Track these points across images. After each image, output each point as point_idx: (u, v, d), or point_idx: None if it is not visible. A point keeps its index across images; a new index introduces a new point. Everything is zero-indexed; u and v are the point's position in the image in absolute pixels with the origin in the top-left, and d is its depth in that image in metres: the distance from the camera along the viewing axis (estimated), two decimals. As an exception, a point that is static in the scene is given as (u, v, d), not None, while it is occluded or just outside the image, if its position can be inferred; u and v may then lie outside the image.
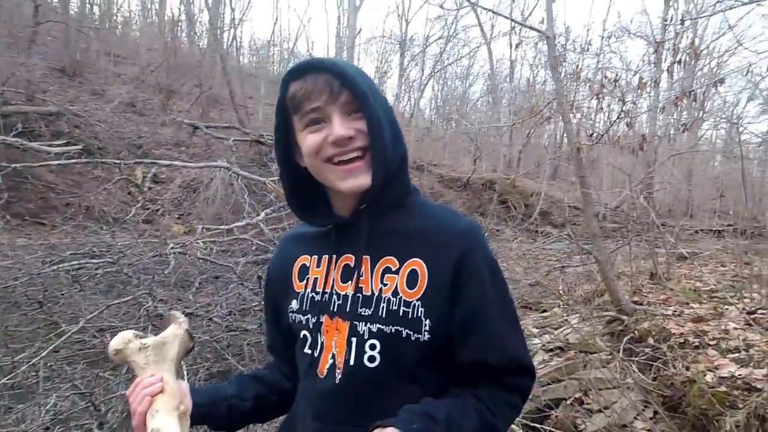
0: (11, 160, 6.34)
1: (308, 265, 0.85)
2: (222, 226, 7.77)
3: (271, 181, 7.83)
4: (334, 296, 0.79)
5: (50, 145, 6.82)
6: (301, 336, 0.82)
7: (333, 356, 0.77)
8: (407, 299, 0.75)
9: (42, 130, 8.25)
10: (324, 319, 0.79)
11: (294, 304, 0.84)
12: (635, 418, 2.41)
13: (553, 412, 2.66)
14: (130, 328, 2.75)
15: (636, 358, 2.73)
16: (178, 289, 4.64)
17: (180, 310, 3.50)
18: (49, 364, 3.07)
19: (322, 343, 0.79)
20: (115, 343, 0.81)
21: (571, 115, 3.74)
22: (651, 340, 2.85)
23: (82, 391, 2.97)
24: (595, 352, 3.13)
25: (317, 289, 0.82)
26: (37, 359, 2.96)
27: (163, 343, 0.81)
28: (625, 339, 2.97)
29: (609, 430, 2.38)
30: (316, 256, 0.85)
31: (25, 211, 7.07)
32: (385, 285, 0.76)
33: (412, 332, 0.74)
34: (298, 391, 0.86)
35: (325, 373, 0.77)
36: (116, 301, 3.73)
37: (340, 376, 0.76)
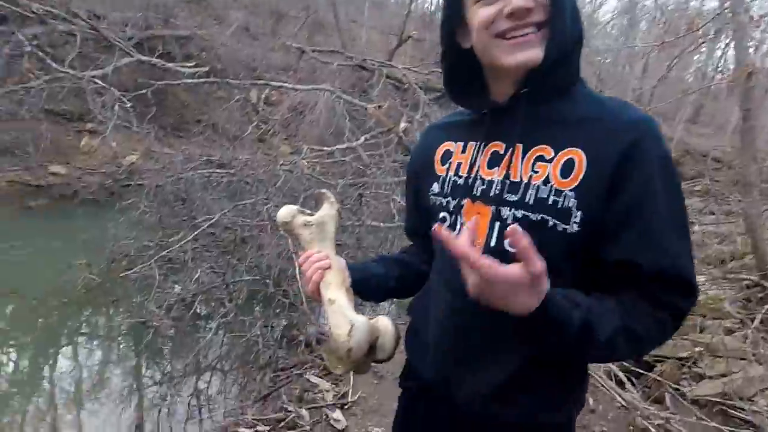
0: (156, 78, 7.33)
1: (452, 151, 0.86)
2: (325, 148, 8.31)
3: (372, 106, 8.01)
4: (478, 181, 0.79)
5: (183, 67, 7.69)
6: (440, 217, 0.83)
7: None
8: (559, 188, 0.71)
9: (176, 52, 9.24)
10: (465, 202, 0.79)
11: (435, 187, 0.86)
12: (759, 392, 2.31)
13: (658, 366, 2.61)
14: (253, 226, 3.25)
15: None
16: (287, 200, 5.22)
17: None
18: (193, 247, 3.82)
19: (462, 224, 0.79)
20: (283, 215, 0.88)
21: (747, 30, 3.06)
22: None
23: (217, 272, 3.69)
24: (718, 318, 2.94)
25: (460, 173, 0.82)
26: (183, 242, 3.69)
27: (323, 222, 0.88)
28: (766, 308, 2.72)
29: (721, 400, 2.31)
30: (462, 143, 0.85)
31: (168, 125, 8.25)
32: (536, 173, 0.73)
33: (559, 222, 0.71)
34: (432, 268, 0.90)
35: None
36: (242, 203, 4.36)
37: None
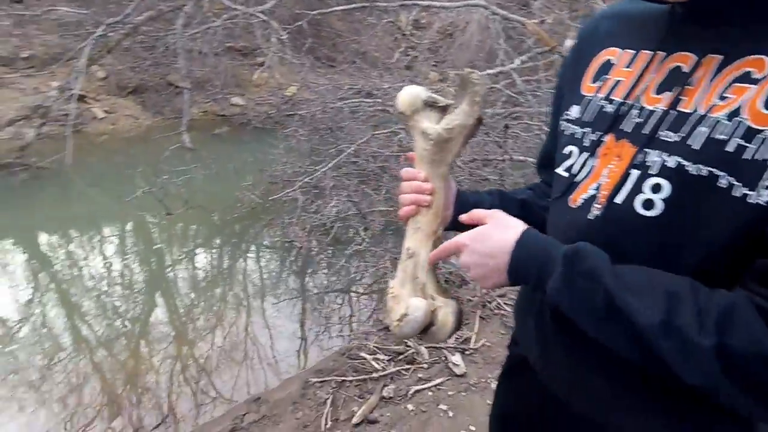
0: (312, 9, 7.57)
1: (614, 62, 0.61)
2: (474, 74, 7.67)
3: (533, 22, 6.94)
4: (634, 110, 0.56)
5: (338, -6, 7.80)
6: (565, 151, 0.63)
7: (598, 187, 0.57)
8: (755, 126, 0.45)
9: (331, -20, 9.35)
10: (608, 138, 0.57)
11: (573, 111, 0.64)
12: None
13: None
14: (388, 156, 3.12)
15: None
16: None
17: None
18: (334, 175, 4.00)
19: (591, 168, 0.58)
20: (404, 102, 0.71)
21: None
22: None
23: (354, 201, 3.81)
24: None
25: (613, 97, 0.58)
26: (326, 168, 3.86)
27: (447, 139, 0.69)
28: None
29: None
30: (632, 52, 0.59)
31: (322, 55, 8.62)
32: (723, 100, 0.47)
33: (738, 183, 0.45)
34: (549, 215, 0.70)
35: (578, 203, 0.59)
36: (380, 132, 4.34)
37: (598, 212, 0.56)
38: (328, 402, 1.99)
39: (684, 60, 0.52)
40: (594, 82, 0.62)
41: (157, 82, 7.01)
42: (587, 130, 0.60)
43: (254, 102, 7.41)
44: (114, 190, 4.43)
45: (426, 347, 2.35)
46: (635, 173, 0.53)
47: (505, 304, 2.78)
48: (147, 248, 3.86)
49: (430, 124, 0.70)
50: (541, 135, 5.32)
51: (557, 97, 0.73)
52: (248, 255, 3.84)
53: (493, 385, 2.09)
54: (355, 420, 1.89)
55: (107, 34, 5.79)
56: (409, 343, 2.36)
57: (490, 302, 2.77)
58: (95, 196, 4.56)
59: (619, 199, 0.54)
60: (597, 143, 0.58)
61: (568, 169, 0.62)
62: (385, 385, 2.08)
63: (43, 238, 3.92)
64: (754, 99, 0.45)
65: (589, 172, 0.59)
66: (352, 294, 3.23)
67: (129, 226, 4.20)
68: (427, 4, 6.71)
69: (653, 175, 0.51)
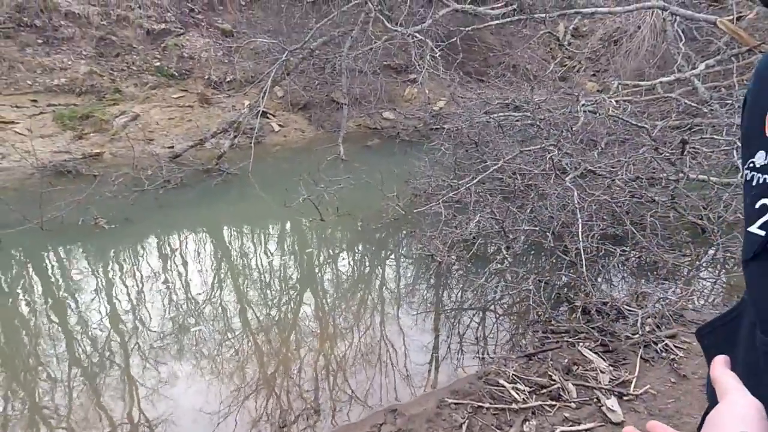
0: (467, 25, 7.66)
1: None
2: (642, 83, 6.79)
3: (725, 19, 5.86)
4: None
5: (492, 8, 7.70)
6: (756, 206, 0.57)
7: None
8: None
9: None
10: None
11: (759, 157, 0.57)
12: None
13: None
14: (537, 174, 2.98)
15: None
16: (584, 146, 4.62)
17: (580, 168, 3.42)
18: (477, 191, 3.95)
19: None
20: None
21: None
22: None
23: (497, 218, 3.70)
24: None
25: None
26: (470, 184, 3.84)
27: None
28: None
29: None
30: None
31: (472, 70, 8.64)
32: None
33: None
34: (750, 277, 0.59)
35: None
36: (528, 149, 4.14)
37: None
38: (464, 427, 1.95)
39: None
40: None
41: (323, 98, 7.89)
42: None
43: (404, 116, 7.79)
44: (280, 194, 5.12)
45: (574, 384, 2.13)
46: None
47: (675, 346, 2.37)
48: (301, 248, 4.36)
49: None
50: (729, 151, 4.42)
51: (742, 145, 0.63)
52: (388, 263, 4.02)
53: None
54: (491, 449, 1.81)
55: (289, 59, 6.76)
56: (555, 376, 2.18)
57: (656, 343, 2.39)
58: (265, 199, 5.34)
59: None
60: None
61: (765, 227, 0.54)
62: (525, 419, 1.95)
63: (225, 232, 4.73)
64: None
65: None
66: (490, 313, 3.12)
67: (289, 227, 4.81)
68: (592, 11, 6.22)
69: None
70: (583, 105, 5.45)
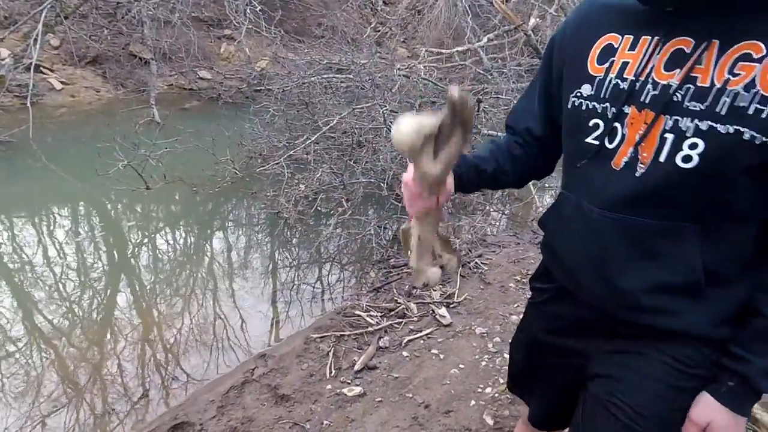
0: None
1: (616, 47, 0.72)
2: (443, 51, 7.80)
3: (499, 0, 7.11)
4: (649, 85, 0.68)
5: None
6: (590, 124, 0.74)
7: (635, 149, 0.69)
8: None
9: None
10: (630, 110, 0.69)
11: (585, 89, 0.75)
12: None
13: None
14: (369, 129, 3.29)
15: None
16: (403, 106, 5.15)
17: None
18: (315, 149, 4.09)
19: (623, 135, 0.70)
20: (406, 141, 0.67)
21: None
22: None
23: (335, 173, 3.93)
24: None
25: (625, 76, 0.70)
26: (304, 144, 3.95)
27: (447, 172, 0.74)
28: None
29: None
30: (630, 37, 0.71)
31: (291, 29, 8.47)
32: (736, 76, 0.61)
33: (759, 135, 0.60)
34: (565, 181, 0.82)
35: (621, 165, 0.70)
36: (359, 106, 4.43)
37: (642, 170, 0.68)
38: (330, 354, 2.17)
39: (685, 43, 0.65)
40: (600, 63, 0.73)
41: (119, 52, 6.69)
42: (606, 104, 0.72)
43: (223, 76, 7.24)
44: (80, 165, 4.30)
45: (414, 303, 2.56)
46: (671, 137, 0.66)
47: (482, 263, 3.03)
48: (117, 227, 3.83)
49: (430, 164, 0.71)
50: (509, 110, 5.56)
51: (548, 77, 0.84)
52: (233, 227, 3.90)
53: (478, 330, 2.34)
54: (357, 367, 2.08)
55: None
56: (399, 300, 2.57)
57: (469, 262, 3.01)
58: (61, 172, 4.41)
59: (662, 158, 0.67)
60: (620, 114, 0.70)
61: (598, 138, 0.73)
62: (380, 337, 2.28)
63: (10, 219, 3.79)
64: (763, 75, 0.60)
65: (622, 139, 0.70)
66: (339, 262, 3.39)
67: (98, 204, 4.13)
68: (399, -21, 6.73)
69: (690, 137, 0.64)
70: (398, 69, 6.02)
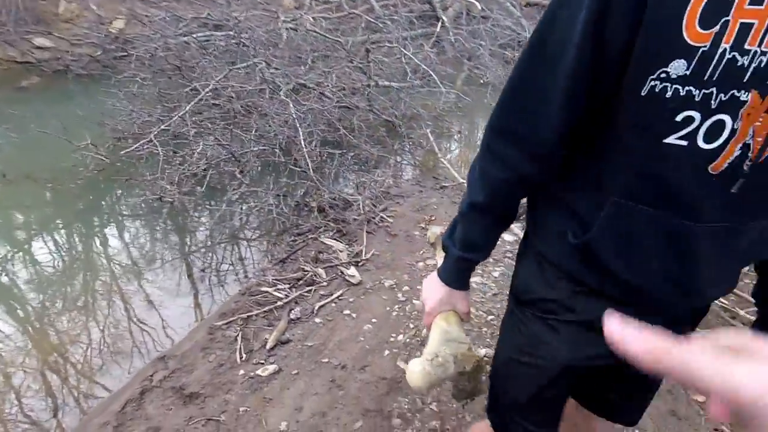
0: None
1: (732, 0, 0.47)
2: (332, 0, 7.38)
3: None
4: None
5: None
6: (677, 119, 0.53)
7: (743, 147, 0.53)
8: None
9: None
10: (750, 96, 0.49)
11: (676, 67, 0.50)
12: None
13: None
14: (252, 91, 3.03)
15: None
16: (292, 62, 4.82)
17: (293, 81, 3.66)
18: (195, 120, 3.67)
19: (733, 131, 0.52)
20: (423, 388, 0.81)
21: None
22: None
23: (223, 144, 3.59)
24: None
25: (747, 47, 0.47)
26: (182, 113, 3.53)
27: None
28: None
29: None
30: None
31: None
32: None
33: None
34: (627, 188, 0.61)
35: (723, 168, 0.54)
36: (237, 66, 4.04)
37: (747, 170, 0.54)
38: (239, 338, 2.04)
39: None
40: (705, 27, 0.48)
41: None
42: (711, 90, 0.50)
43: (69, 43, 6.12)
44: None
45: (323, 268, 2.49)
46: None
47: (387, 216, 3.03)
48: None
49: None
50: (401, 59, 5.48)
51: (598, 43, 0.54)
52: (114, 222, 3.42)
53: (387, 283, 2.35)
54: (269, 345, 1.98)
55: None
56: (307, 268, 2.48)
57: (374, 217, 2.99)
58: None
59: None
60: (734, 103, 0.50)
61: (688, 137, 0.53)
62: (291, 309, 2.19)
63: None
64: None
65: (731, 135, 0.52)
66: (240, 239, 3.17)
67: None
68: None
69: None
70: (283, 21, 5.57)
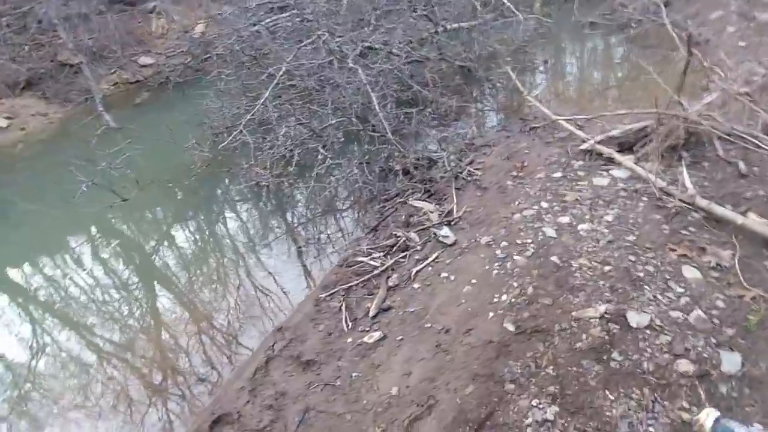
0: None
1: None
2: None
3: None
4: None
5: None
6: None
7: None
8: None
9: None
10: None
11: None
12: None
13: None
14: (321, 65, 2.97)
15: None
16: (356, 26, 4.70)
17: (359, 46, 3.56)
18: (275, 104, 3.81)
19: None
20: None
21: None
22: None
23: (302, 123, 3.69)
24: None
25: None
26: (263, 100, 3.67)
27: None
28: None
29: None
30: None
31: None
32: None
33: None
34: None
35: None
36: (303, 44, 4.06)
37: None
38: (342, 308, 2.13)
39: None
40: None
41: (49, 66, 6.24)
42: None
43: (165, 56, 6.73)
44: (58, 197, 4.15)
45: (415, 231, 2.46)
46: None
47: (475, 169, 2.87)
48: (122, 242, 3.75)
49: None
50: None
51: None
52: (222, 211, 3.79)
53: (483, 240, 2.23)
54: (371, 313, 2.04)
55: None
56: (399, 233, 2.47)
57: (461, 172, 2.85)
58: (47, 210, 4.28)
59: None
60: None
61: None
62: (388, 277, 2.22)
63: (21, 271, 3.70)
64: None
65: None
66: (332, 211, 3.28)
67: (95, 228, 4.02)
68: None
69: None
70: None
